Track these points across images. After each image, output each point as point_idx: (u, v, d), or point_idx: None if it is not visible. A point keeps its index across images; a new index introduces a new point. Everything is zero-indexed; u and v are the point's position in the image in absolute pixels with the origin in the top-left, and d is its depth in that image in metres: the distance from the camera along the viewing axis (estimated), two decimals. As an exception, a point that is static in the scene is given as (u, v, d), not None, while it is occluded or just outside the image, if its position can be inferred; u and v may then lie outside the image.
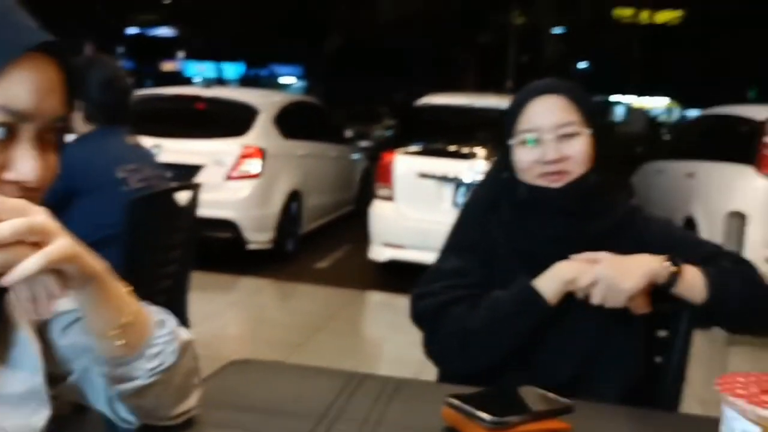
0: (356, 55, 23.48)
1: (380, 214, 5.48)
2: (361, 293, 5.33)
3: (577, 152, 1.39)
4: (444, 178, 5.26)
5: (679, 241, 1.46)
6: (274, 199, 5.94)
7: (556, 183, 1.39)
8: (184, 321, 2.68)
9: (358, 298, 5.25)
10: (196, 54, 25.47)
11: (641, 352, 1.43)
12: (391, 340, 4.40)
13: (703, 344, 4.42)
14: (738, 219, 4.47)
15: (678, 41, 24.06)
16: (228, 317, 4.78)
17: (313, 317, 4.67)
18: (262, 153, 5.78)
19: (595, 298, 1.31)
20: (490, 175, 1.58)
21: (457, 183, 5.18)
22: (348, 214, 8.25)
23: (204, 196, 5.66)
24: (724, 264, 1.41)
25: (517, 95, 1.48)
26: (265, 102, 6.36)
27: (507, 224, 1.45)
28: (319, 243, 7.03)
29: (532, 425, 0.94)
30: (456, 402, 0.96)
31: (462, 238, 1.51)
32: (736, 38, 21.93)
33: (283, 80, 29.34)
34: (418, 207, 5.28)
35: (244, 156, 5.73)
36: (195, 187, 2.64)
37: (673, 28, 24.78)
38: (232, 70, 25.00)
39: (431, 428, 0.98)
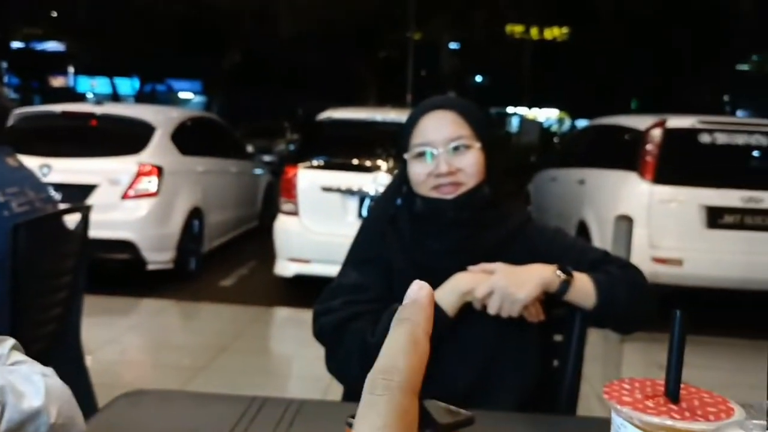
0: (257, 70, 23.22)
1: (285, 228, 5.43)
2: (268, 310, 5.25)
3: (468, 165, 1.43)
4: (348, 192, 5.27)
5: (570, 249, 1.52)
6: (174, 217, 5.76)
7: (449, 195, 1.43)
8: (77, 349, 2.54)
9: (264, 314, 5.16)
10: (88, 69, 24.44)
11: (538, 358, 1.47)
12: (299, 356, 4.34)
13: (599, 342, 4.63)
14: (626, 222, 4.72)
15: (566, 56, 25.27)
16: (128, 342, 4.58)
17: (218, 337, 4.55)
18: (159, 171, 5.60)
19: (492, 309, 1.34)
20: (390, 189, 1.60)
21: (362, 196, 5.21)
22: (252, 230, 8.13)
23: (99, 217, 5.45)
24: (612, 269, 1.47)
25: (411, 112, 1.52)
26: (161, 118, 6.18)
27: (405, 237, 1.47)
28: (223, 261, 6.87)
29: (433, 439, 0.94)
30: (357, 422, 0.95)
31: (361, 252, 1.52)
32: (618, 54, 23.27)
33: (182, 96, 28.61)
34: (322, 221, 5.26)
35: (141, 174, 5.54)
36: (85, 210, 2.51)
37: (561, 43, 26.02)
38: (127, 85, 24.12)
39: (334, 450, 0.96)
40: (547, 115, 28.12)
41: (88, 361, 4.00)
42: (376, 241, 1.50)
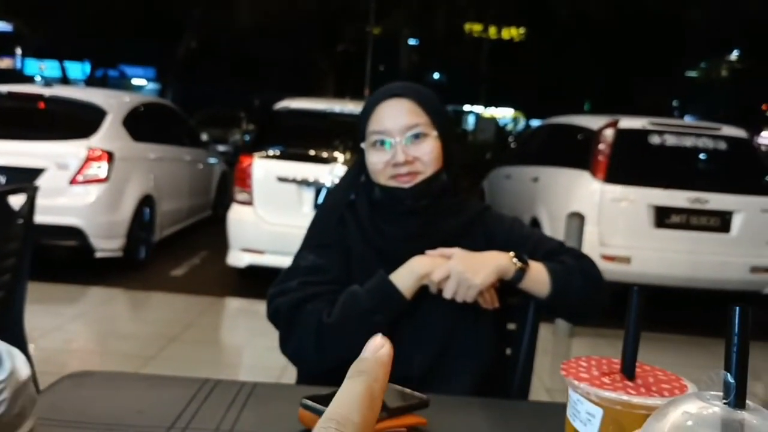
0: (213, 59, 22.88)
1: (239, 218, 5.36)
2: (219, 300, 5.17)
3: (425, 153, 1.43)
4: (304, 182, 5.23)
5: (526, 238, 1.53)
6: (124, 204, 5.63)
7: (407, 183, 1.43)
8: (20, 336, 2.45)
9: (215, 305, 5.08)
10: (37, 52, 23.68)
11: (492, 345, 1.48)
12: (251, 346, 4.30)
13: (548, 337, 4.70)
14: (577, 219, 4.80)
15: (522, 56, 25.63)
16: (74, 330, 4.45)
17: (167, 327, 4.46)
18: (109, 156, 5.47)
19: (448, 293, 1.35)
20: (347, 177, 1.59)
21: (318, 187, 5.17)
22: (205, 219, 8.01)
23: (46, 202, 5.35)
24: (566, 259, 1.49)
25: (368, 99, 1.51)
26: (113, 103, 6.03)
27: (363, 222, 1.47)
28: (175, 250, 6.75)
29: (388, 422, 0.93)
30: (311, 403, 0.94)
31: (319, 235, 1.51)
32: (573, 56, 23.68)
33: (135, 82, 27.98)
34: (277, 211, 5.21)
35: (90, 159, 5.40)
36: (31, 190, 2.43)
37: (518, 44, 26.37)
38: (78, 69, 23.45)
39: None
40: (503, 114, 28.46)
41: (31, 349, 3.89)
42: (334, 226, 1.49)
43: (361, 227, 1.47)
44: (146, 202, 6.01)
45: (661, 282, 5.39)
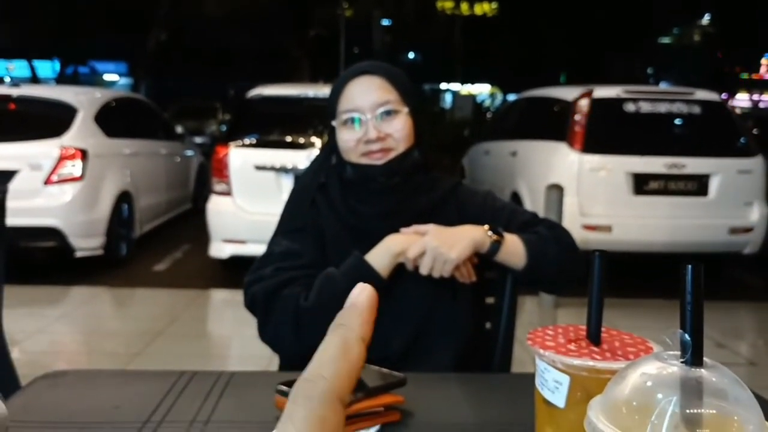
0: (185, 50, 22.62)
1: (218, 210, 5.33)
2: (204, 292, 5.15)
3: (396, 130, 1.42)
4: (282, 169, 5.20)
5: (500, 211, 1.53)
6: (102, 202, 5.58)
7: (379, 160, 1.42)
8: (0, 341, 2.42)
9: (200, 297, 5.06)
10: (4, 52, 23.26)
11: (470, 319, 1.48)
12: (238, 336, 4.28)
13: (534, 309, 4.74)
14: (556, 191, 4.82)
15: (496, 32, 25.58)
16: (58, 331, 4.42)
17: (152, 322, 4.44)
18: (83, 154, 5.40)
19: (424, 269, 1.35)
20: (318, 159, 1.58)
21: (296, 173, 5.15)
22: (185, 212, 7.96)
23: (22, 204, 5.29)
24: (541, 230, 1.49)
25: (337, 78, 1.50)
26: (84, 100, 5.94)
27: (335, 203, 1.46)
28: (157, 245, 6.71)
29: (365, 402, 0.93)
30: (286, 389, 0.93)
31: (291, 220, 1.50)
32: (546, 28, 23.67)
33: (107, 77, 27.61)
34: (256, 200, 5.18)
35: (64, 158, 5.33)
36: (0, 193, 2.38)
37: (490, 19, 26.30)
38: (48, 68, 23.08)
39: (264, 419, 0.94)
40: (480, 91, 28.44)
41: (15, 352, 3.85)
42: (306, 209, 1.48)
43: (333, 208, 1.47)
44: (124, 198, 5.95)
45: (642, 248, 5.44)
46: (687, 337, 0.49)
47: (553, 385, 0.64)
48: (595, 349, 0.65)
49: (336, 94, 1.47)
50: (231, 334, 4.45)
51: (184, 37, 21.16)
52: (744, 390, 0.48)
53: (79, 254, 5.44)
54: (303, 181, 1.58)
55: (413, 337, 1.40)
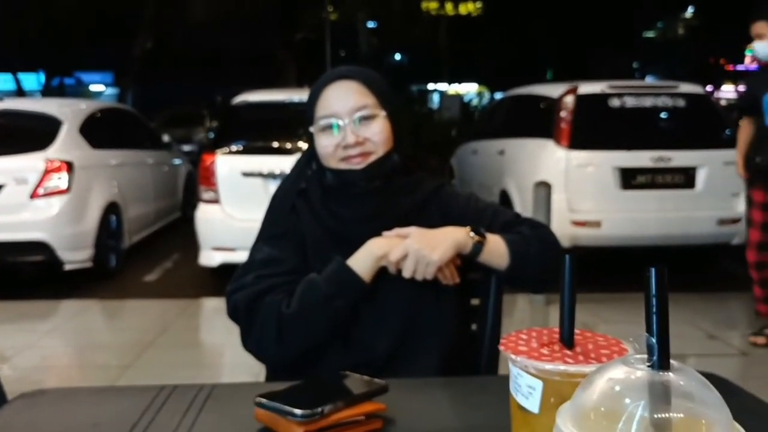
0: (171, 57, 22.54)
1: (207, 218, 5.31)
2: (195, 301, 5.12)
3: (375, 134, 1.42)
4: (270, 175, 5.19)
5: (482, 212, 1.53)
6: (89, 214, 5.54)
7: (359, 165, 1.41)
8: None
9: (191, 306, 5.04)
10: (-12, 66, 23.12)
11: (455, 321, 1.47)
12: (230, 344, 4.26)
13: (525, 307, 4.74)
14: (544, 188, 4.83)
15: (482, 31, 25.64)
16: (48, 346, 4.38)
17: (143, 333, 4.41)
18: (69, 166, 5.37)
19: (407, 271, 1.34)
20: (298, 165, 1.58)
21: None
22: (175, 221, 7.93)
23: (8, 218, 5.24)
24: (523, 230, 1.49)
25: (314, 84, 1.50)
26: (68, 111, 5.91)
27: (316, 208, 1.45)
28: (146, 255, 6.68)
29: (346, 411, 0.93)
30: (265, 401, 0.92)
31: (272, 227, 1.49)
32: (532, 25, 23.75)
33: (93, 88, 27.47)
34: (245, 207, 5.16)
35: (49, 171, 5.30)
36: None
37: (476, 18, 26.36)
38: (33, 80, 22.95)
39: None
40: (467, 90, 28.48)
41: (4, 368, 3.82)
42: (287, 215, 1.48)
43: (314, 213, 1.46)
44: (112, 209, 5.92)
45: (632, 242, 5.45)
46: (653, 340, 0.48)
47: (526, 391, 0.64)
48: (568, 352, 0.64)
49: (313, 100, 1.47)
50: (222, 342, 4.42)
51: (169, 43, 21.10)
52: (711, 391, 0.48)
53: (67, 267, 5.40)
54: (283, 187, 1.57)
55: (398, 341, 1.40)
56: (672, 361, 0.48)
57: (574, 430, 0.47)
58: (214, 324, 4.84)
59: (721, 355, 4.03)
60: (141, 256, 6.60)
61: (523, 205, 5.51)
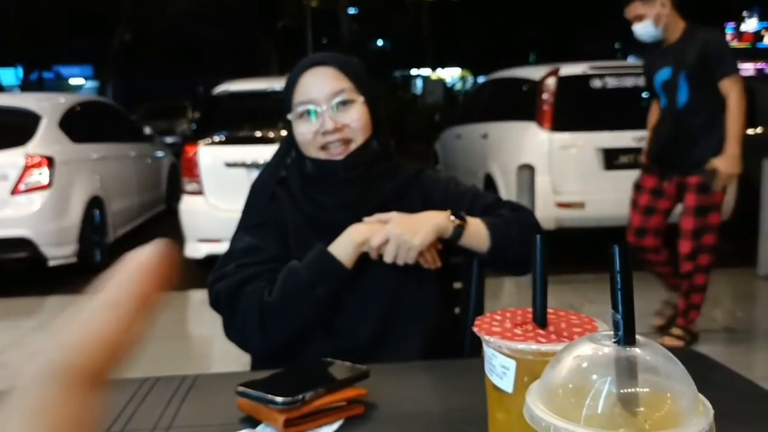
0: (151, 49, 22.33)
1: (191, 209, 5.28)
2: (181, 293, 5.10)
3: (354, 120, 1.41)
4: (253, 165, 5.16)
5: (462, 196, 1.53)
6: (72, 208, 5.50)
7: (339, 155, 1.41)
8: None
9: (178, 299, 5.01)
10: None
11: (438, 305, 1.47)
12: (218, 335, 4.21)
13: (512, 289, 4.76)
14: (528, 171, 4.84)
15: (464, 14, 25.56)
16: (35, 343, 4.36)
17: (130, 328, 4.39)
18: (49, 161, 5.31)
19: (388, 256, 1.34)
20: (277, 155, 1.57)
21: (266, 168, 5.11)
22: (160, 214, 7.88)
23: (-14, 216, 5.14)
24: (504, 212, 1.49)
25: (291, 71, 1.49)
26: (46, 106, 5.83)
27: (296, 196, 1.45)
28: (131, 248, 6.56)
29: (327, 398, 0.93)
30: (246, 390, 0.93)
31: (252, 216, 1.49)
32: (514, 8, 23.71)
33: (72, 82, 27.19)
34: (229, 198, 5.13)
35: (30, 167, 5.24)
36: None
37: (457, 2, 26.25)
38: (11, 75, 22.67)
39: (227, 421, 0.94)
40: (451, 75, 28.44)
41: (-9, 367, 3.79)
42: (267, 204, 1.47)
43: (294, 201, 1.46)
44: (95, 203, 5.87)
45: (615, 223, 5.45)
46: (618, 316, 0.49)
47: (500, 371, 0.64)
48: (541, 331, 0.65)
49: (290, 88, 1.46)
50: (210, 333, 4.42)
51: (149, 35, 20.89)
52: (676, 365, 0.48)
53: (52, 263, 5.36)
54: (262, 176, 1.56)
55: (381, 326, 1.40)
56: (638, 337, 0.49)
57: (543, 407, 0.48)
58: (201, 315, 4.83)
59: (706, 331, 4.07)
60: (126, 249, 6.44)
61: (508, 189, 5.52)
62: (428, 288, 1.44)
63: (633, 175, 5.50)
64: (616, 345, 0.48)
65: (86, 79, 26.79)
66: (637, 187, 3.82)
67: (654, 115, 3.83)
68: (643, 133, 5.42)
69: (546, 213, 5.07)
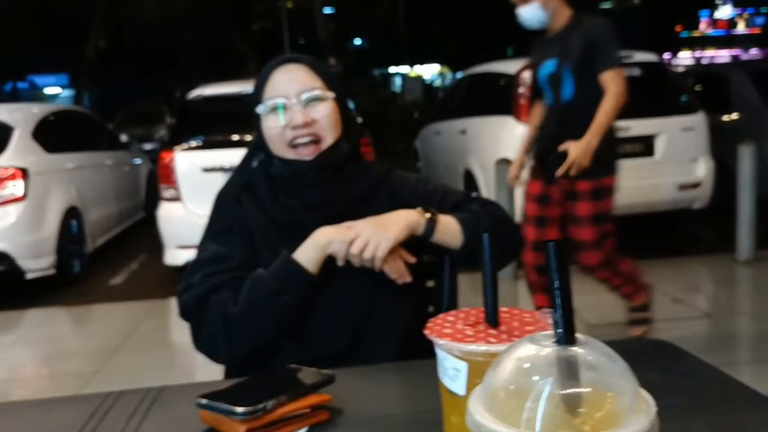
0: (127, 55, 22.16)
1: (169, 216, 5.24)
2: (162, 302, 5.06)
3: (323, 116, 1.40)
4: (230, 170, 5.11)
5: (432, 194, 1.52)
6: (48, 220, 5.43)
7: (309, 156, 1.39)
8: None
9: (158, 307, 4.98)
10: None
11: (411, 306, 1.46)
12: (200, 344, 4.22)
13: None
14: (506, 165, 4.82)
15: (440, 10, 25.57)
16: (15, 357, 4.31)
17: (111, 338, 4.35)
18: (23, 173, 5.25)
19: (355, 248, 1.29)
20: (243, 160, 1.55)
21: (244, 172, 5.07)
22: (139, 222, 7.82)
23: (-39, 230, 5.06)
24: (474, 208, 1.48)
25: (261, 70, 1.48)
26: (19, 117, 5.76)
27: (262, 199, 1.43)
28: (112, 258, 6.58)
29: (290, 405, 0.91)
30: (205, 401, 0.91)
31: (218, 223, 1.47)
32: (491, 3, 23.73)
33: (48, 91, 26.90)
34: (207, 203, 5.00)
35: (3, 179, 5.18)
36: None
37: None
38: (-16, 87, 22.38)
39: (189, 433, 0.92)
40: (430, 71, 28.45)
41: (-32, 383, 3.74)
42: (232, 210, 1.45)
43: (260, 205, 1.43)
44: (72, 214, 5.80)
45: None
46: (557, 316, 0.47)
47: (452, 373, 0.63)
48: (493, 331, 0.64)
49: (261, 85, 1.44)
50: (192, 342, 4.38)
51: (124, 41, 20.72)
52: (617, 363, 0.47)
53: (30, 276, 5.30)
54: (228, 183, 1.54)
55: (354, 332, 1.38)
56: (578, 335, 0.48)
57: (484, 411, 0.47)
58: (182, 324, 4.76)
59: (686, 318, 4.10)
60: (106, 259, 6.50)
61: (488, 184, 5.53)
62: (402, 291, 1.41)
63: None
64: (556, 345, 0.47)
65: (62, 88, 26.51)
66: (527, 195, 3.43)
67: (536, 114, 3.48)
68: (620, 123, 5.46)
69: (523, 207, 5.07)
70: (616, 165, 3.32)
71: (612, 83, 3.11)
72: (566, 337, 0.47)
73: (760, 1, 32.18)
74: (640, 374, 0.52)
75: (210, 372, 3.60)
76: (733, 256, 5.08)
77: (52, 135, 5.95)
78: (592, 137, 3.11)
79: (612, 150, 3.30)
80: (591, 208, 3.20)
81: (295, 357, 1.31)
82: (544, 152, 3.30)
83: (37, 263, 5.29)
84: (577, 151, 3.10)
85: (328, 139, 1.41)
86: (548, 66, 3.24)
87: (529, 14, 3.21)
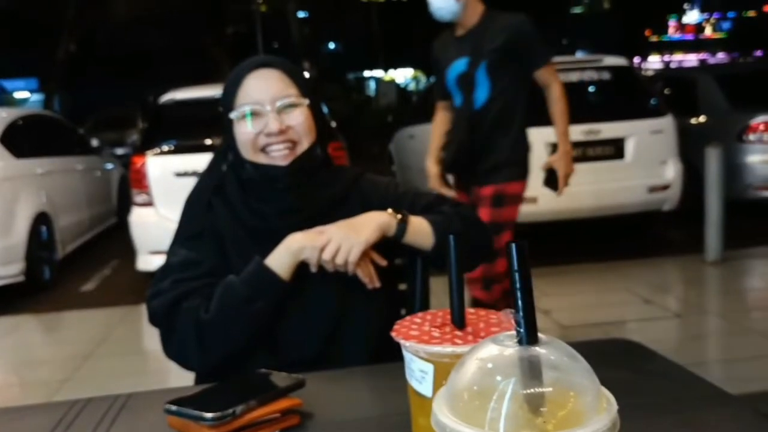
0: (98, 59, 21.89)
1: (141, 221, 5.18)
2: (135, 308, 4.99)
3: (299, 122, 1.39)
4: (203, 174, 5.09)
5: (403, 197, 1.52)
6: (16, 226, 5.34)
7: (283, 161, 1.38)
8: None
9: (131, 313, 4.91)
10: None
11: (383, 309, 1.46)
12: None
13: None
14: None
15: (412, 14, 25.68)
16: (-17, 367, 4.23)
17: (82, 345, 4.29)
18: (-10, 178, 5.16)
19: (327, 254, 1.29)
20: (213, 162, 1.54)
21: (217, 177, 5.04)
22: (111, 227, 7.72)
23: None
24: (445, 209, 1.49)
25: (232, 72, 1.45)
26: (-15, 121, 5.66)
27: (234, 204, 1.41)
28: (83, 264, 6.49)
29: (260, 410, 0.91)
30: (173, 407, 0.90)
31: (188, 227, 1.45)
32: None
33: (17, 95, 26.47)
34: (180, 208, 5.04)
35: (-31, 185, 5.08)
36: None
37: (406, 2, 26.36)
38: (-49, 91, 21.99)
39: (157, 440, 0.91)
40: (404, 75, 28.53)
41: (-66, 394, 3.66)
42: (202, 215, 1.44)
43: (231, 209, 1.42)
44: (41, 219, 5.72)
45: (569, 216, 5.56)
46: (519, 316, 0.48)
47: (419, 375, 0.63)
48: (459, 333, 0.64)
49: (233, 89, 1.40)
50: (166, 347, 4.34)
51: (95, 44, 20.47)
52: (579, 362, 0.48)
53: (-2, 283, 5.21)
54: (199, 185, 1.53)
55: (327, 337, 1.37)
56: (540, 335, 0.48)
57: (449, 412, 0.47)
58: (156, 330, 4.74)
59: (657, 318, 4.15)
60: (77, 265, 6.41)
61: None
62: (373, 302, 1.41)
63: (582, 168, 5.50)
64: (518, 345, 0.48)
65: (31, 92, 26.10)
66: None
67: (442, 119, 3.21)
68: (591, 126, 5.52)
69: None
70: (525, 172, 3.06)
71: (553, 78, 2.97)
72: (528, 338, 0.48)
73: (726, 5, 32.83)
74: (609, 374, 0.53)
75: (183, 379, 3.56)
76: (702, 256, 5.16)
77: (21, 140, 5.86)
78: (564, 143, 3.06)
79: (521, 154, 3.06)
80: (488, 215, 2.90)
81: (267, 363, 1.30)
82: (457, 160, 3.05)
83: (5, 270, 5.20)
84: (561, 163, 3.02)
85: (303, 144, 1.40)
86: (458, 66, 2.97)
87: (441, 3, 2.91)
